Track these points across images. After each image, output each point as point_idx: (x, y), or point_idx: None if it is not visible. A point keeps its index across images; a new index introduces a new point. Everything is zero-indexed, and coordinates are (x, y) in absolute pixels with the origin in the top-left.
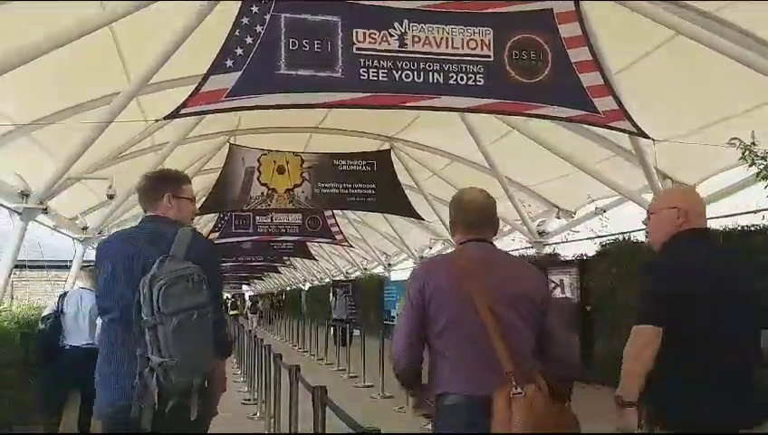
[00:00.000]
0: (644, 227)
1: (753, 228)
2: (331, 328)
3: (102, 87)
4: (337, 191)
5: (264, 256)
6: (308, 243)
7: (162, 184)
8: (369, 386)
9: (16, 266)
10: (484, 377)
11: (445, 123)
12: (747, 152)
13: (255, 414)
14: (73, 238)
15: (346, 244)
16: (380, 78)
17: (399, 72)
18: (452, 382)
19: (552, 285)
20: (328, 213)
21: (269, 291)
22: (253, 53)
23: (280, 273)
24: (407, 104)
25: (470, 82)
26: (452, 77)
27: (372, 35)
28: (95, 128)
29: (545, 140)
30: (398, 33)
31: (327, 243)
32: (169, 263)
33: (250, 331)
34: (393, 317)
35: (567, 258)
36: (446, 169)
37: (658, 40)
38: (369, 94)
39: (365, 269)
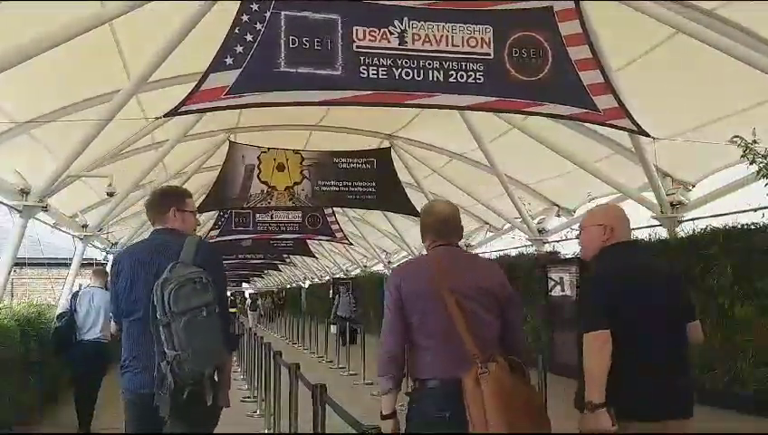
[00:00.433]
0: (644, 225)
1: (753, 226)
2: (332, 326)
3: (102, 85)
4: (337, 189)
5: (263, 254)
6: (308, 241)
7: (167, 199)
8: (368, 384)
9: (16, 264)
10: (455, 362)
11: (445, 121)
12: (748, 150)
13: (255, 412)
14: (73, 236)
15: (346, 241)
16: (380, 76)
17: (399, 70)
18: (428, 369)
19: (552, 283)
20: (328, 211)
21: (269, 289)
22: (253, 51)
23: (280, 271)
24: (406, 102)
25: (470, 80)
26: (452, 75)
27: (372, 33)
28: (95, 126)
29: (545, 139)
30: (398, 30)
31: (327, 241)
32: (179, 268)
33: (249, 329)
34: None
35: (567, 256)
36: (445, 167)
37: (659, 38)
38: (369, 92)
39: (365, 267)
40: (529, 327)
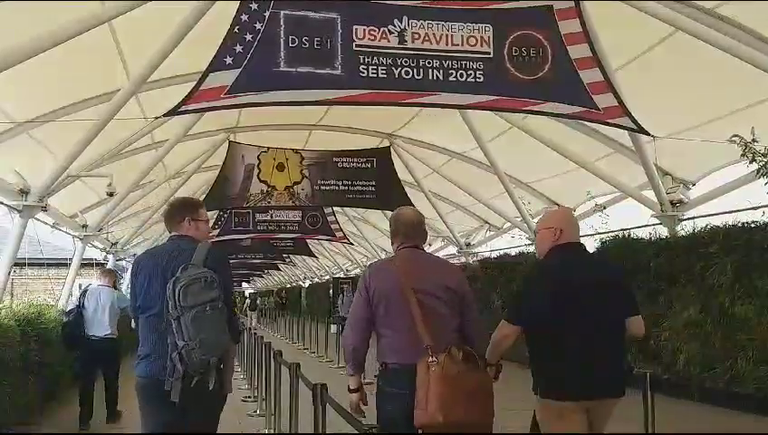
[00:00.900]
0: (644, 224)
1: (753, 225)
2: (333, 326)
3: (102, 85)
4: (337, 188)
5: (263, 254)
6: (308, 240)
7: (182, 210)
8: (368, 383)
9: (16, 264)
10: (412, 351)
11: (445, 120)
12: (747, 149)
13: (255, 411)
14: (73, 236)
15: (346, 241)
16: (380, 75)
17: (399, 69)
18: (390, 355)
19: None
20: (328, 210)
21: (269, 288)
22: (252, 50)
23: (280, 270)
24: (406, 101)
25: (470, 79)
26: (452, 74)
27: (372, 32)
28: (95, 125)
29: (545, 138)
30: (398, 29)
31: (327, 240)
32: (190, 269)
33: (249, 328)
34: None
35: None
36: (445, 166)
37: (658, 37)
38: (368, 91)
39: (365, 267)
40: None
